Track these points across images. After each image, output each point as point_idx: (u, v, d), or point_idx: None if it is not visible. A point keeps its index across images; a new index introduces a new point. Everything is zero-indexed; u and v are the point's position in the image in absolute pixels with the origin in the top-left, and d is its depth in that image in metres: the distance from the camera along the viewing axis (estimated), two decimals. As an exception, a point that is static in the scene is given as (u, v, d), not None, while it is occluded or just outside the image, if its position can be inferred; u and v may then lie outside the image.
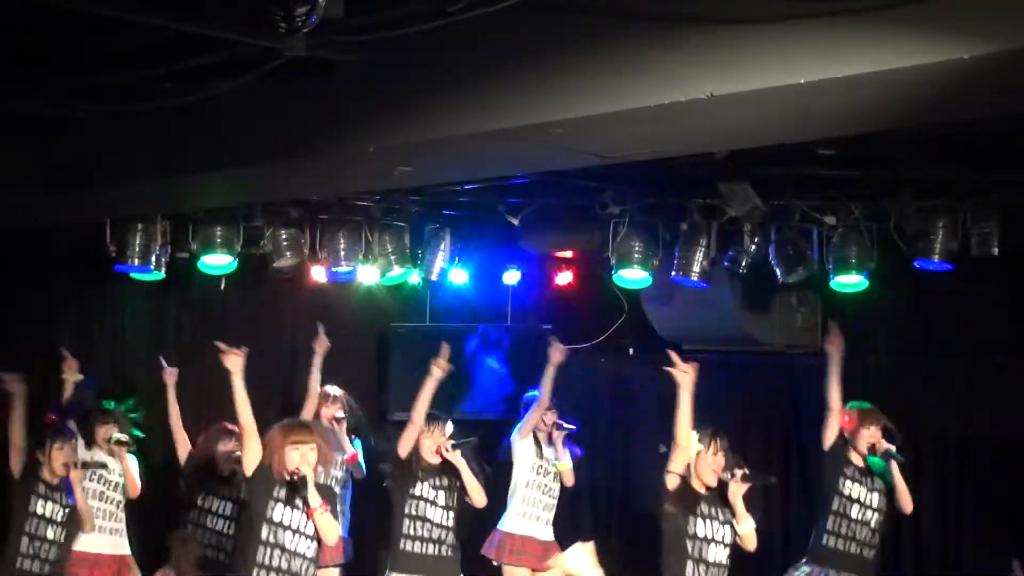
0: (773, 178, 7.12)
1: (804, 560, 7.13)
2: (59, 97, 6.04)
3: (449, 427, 7.15)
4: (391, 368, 10.08)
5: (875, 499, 7.05)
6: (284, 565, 5.85)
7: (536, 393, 8.13)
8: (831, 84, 4.03)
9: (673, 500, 6.11)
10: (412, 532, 7.03)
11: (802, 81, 4.05)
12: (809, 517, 7.39)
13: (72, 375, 7.81)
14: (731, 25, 4.18)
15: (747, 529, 6.17)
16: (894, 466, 6.93)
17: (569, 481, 8.11)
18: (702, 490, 6.15)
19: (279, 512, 5.89)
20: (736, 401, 9.23)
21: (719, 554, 6.12)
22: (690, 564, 6.07)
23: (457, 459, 7.02)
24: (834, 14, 3.94)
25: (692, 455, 6.11)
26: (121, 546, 7.75)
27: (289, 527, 5.89)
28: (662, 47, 4.36)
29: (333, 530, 5.98)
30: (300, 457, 5.85)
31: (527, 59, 4.74)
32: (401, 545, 7.05)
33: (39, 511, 6.74)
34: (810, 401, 8.90)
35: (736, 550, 6.23)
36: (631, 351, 9.91)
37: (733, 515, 6.15)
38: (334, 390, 8.35)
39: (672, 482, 6.13)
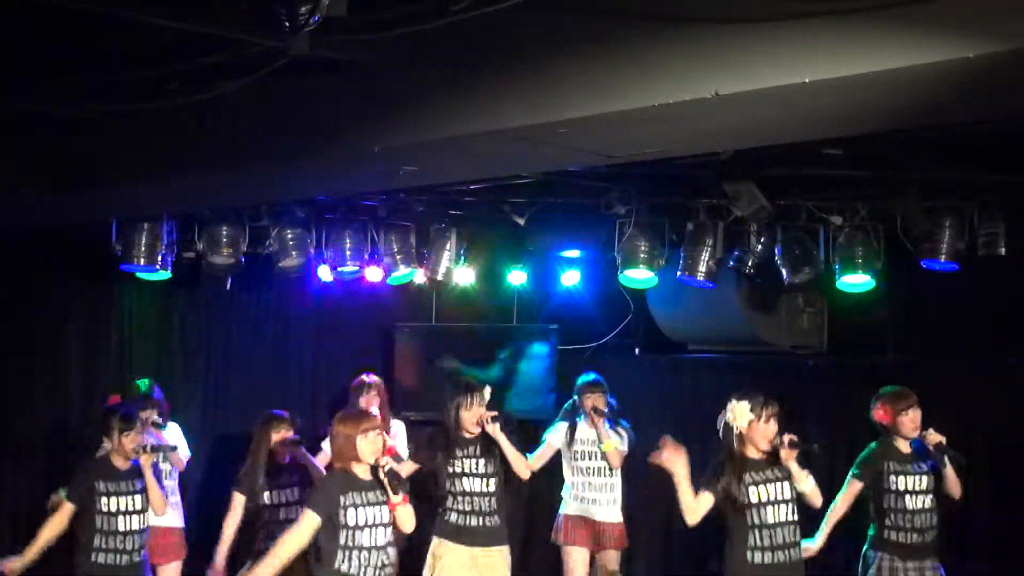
0: (779, 178, 7.11)
1: (868, 547, 7.03)
2: (66, 97, 6.03)
3: (487, 393, 7.12)
4: (397, 367, 10.09)
5: (924, 481, 6.92)
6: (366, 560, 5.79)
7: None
8: (836, 83, 4.02)
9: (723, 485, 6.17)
10: (457, 507, 7.06)
11: (807, 80, 4.04)
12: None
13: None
14: (736, 24, 4.17)
15: (808, 486, 6.22)
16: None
17: (615, 462, 8.00)
18: (756, 456, 6.22)
19: (352, 516, 5.77)
20: (741, 401, 9.22)
21: (779, 513, 6.18)
22: (753, 532, 6.13)
23: (496, 432, 6.99)
24: (839, 13, 3.93)
25: (744, 424, 6.16)
26: (178, 519, 7.92)
27: (363, 525, 5.78)
28: (667, 46, 4.35)
29: (411, 517, 5.92)
30: (370, 443, 5.78)
31: (531, 58, 4.73)
32: (447, 517, 7.10)
33: (105, 508, 6.74)
34: (815, 401, 8.95)
35: (803, 507, 6.28)
36: (636, 351, 9.92)
37: (789, 475, 6.19)
38: (371, 378, 8.41)
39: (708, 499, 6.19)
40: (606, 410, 7.92)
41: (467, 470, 7.07)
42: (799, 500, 6.25)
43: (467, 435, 7.08)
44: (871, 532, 7.03)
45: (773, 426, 6.21)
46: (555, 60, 4.66)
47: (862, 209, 7.54)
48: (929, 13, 3.77)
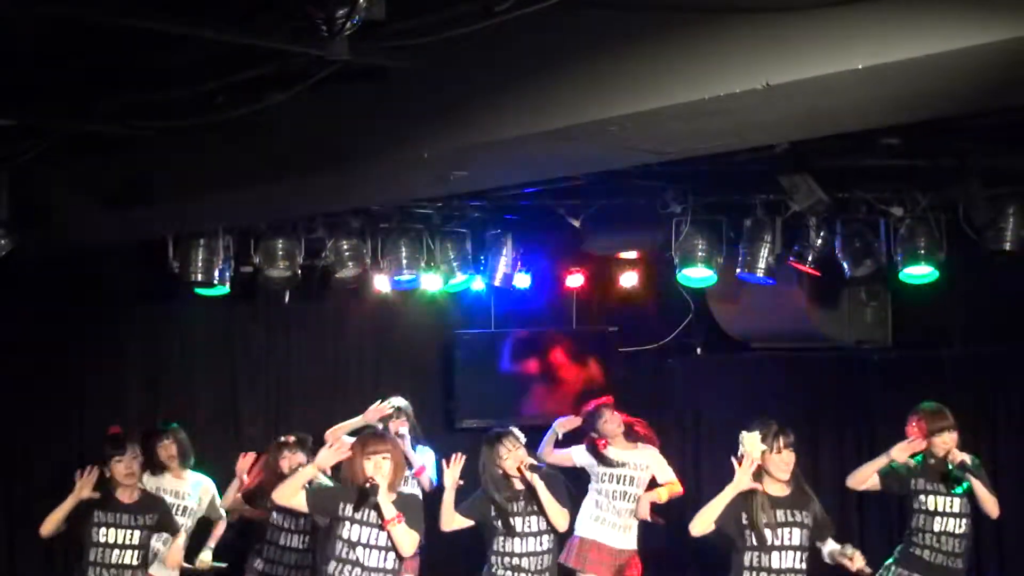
0: (837, 170, 7.01)
1: (893, 561, 6.99)
2: (116, 116, 6.06)
3: (520, 436, 6.78)
4: (457, 375, 10.06)
5: (956, 504, 6.86)
6: None
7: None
8: (890, 69, 3.93)
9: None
10: (505, 567, 6.69)
11: (860, 67, 3.95)
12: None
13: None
14: (784, 12, 4.09)
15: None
16: (971, 477, 6.74)
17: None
18: (776, 492, 6.03)
19: (348, 530, 5.87)
20: (806, 399, 9.13)
21: (785, 559, 5.98)
22: (748, 574, 5.97)
23: (536, 481, 6.60)
24: (890, -4, 3.85)
25: (757, 456, 5.99)
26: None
27: (363, 543, 5.85)
28: (715, 38, 4.28)
29: (409, 541, 5.88)
30: (374, 466, 5.83)
31: (577, 56, 4.68)
32: (495, 572, 6.72)
33: (102, 540, 6.75)
34: (882, 397, 8.82)
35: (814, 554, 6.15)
36: (698, 351, 9.83)
37: (805, 521, 6.03)
38: (399, 402, 8.26)
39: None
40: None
41: (519, 530, 6.67)
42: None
43: (512, 489, 6.70)
44: (900, 545, 6.98)
45: (788, 456, 6.04)
46: (601, 57, 4.60)
47: (923, 199, 7.41)
48: (985, -8, 3.68)
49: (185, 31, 4.86)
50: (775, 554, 5.94)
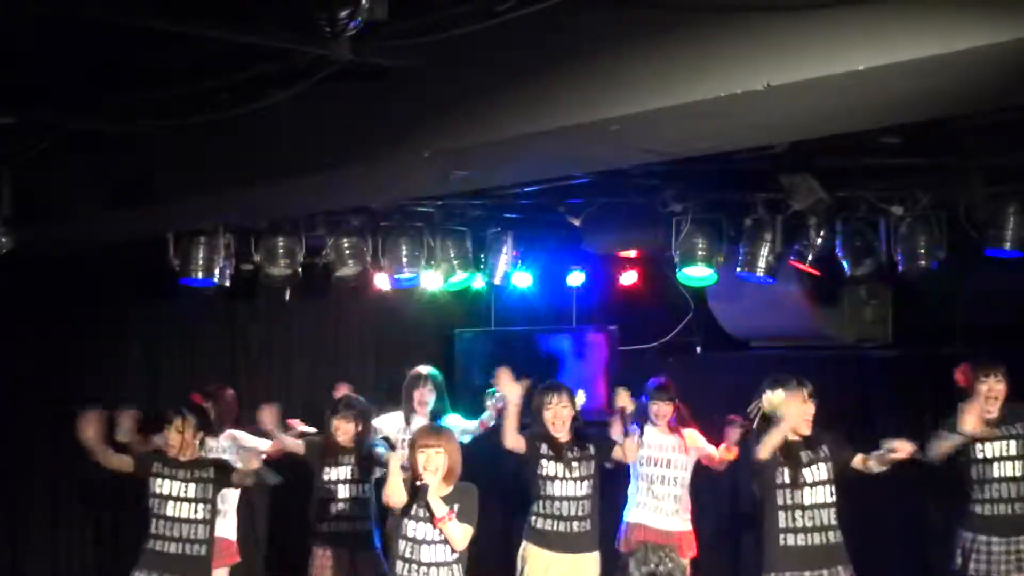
0: (837, 169, 7.01)
1: (959, 530, 6.99)
2: (118, 113, 6.07)
3: (580, 397, 7.24)
4: (457, 373, 10.06)
5: (1013, 446, 6.87)
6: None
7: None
8: (890, 70, 3.93)
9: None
10: (545, 511, 7.06)
11: (861, 68, 3.95)
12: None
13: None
14: (786, 12, 4.09)
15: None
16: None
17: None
18: (796, 438, 6.24)
19: (411, 527, 5.89)
20: (807, 397, 9.11)
21: (816, 495, 6.19)
22: (786, 513, 6.19)
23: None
24: (892, -3, 3.85)
25: (788, 411, 6.20)
26: (229, 530, 7.95)
27: (424, 540, 5.88)
28: (716, 38, 4.28)
29: (461, 536, 5.87)
30: (426, 459, 5.82)
31: (578, 56, 4.68)
32: (534, 522, 7.10)
33: (158, 490, 6.97)
34: (882, 395, 8.82)
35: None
36: (698, 350, 9.83)
37: (826, 456, 6.23)
38: (426, 370, 8.46)
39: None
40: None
41: (557, 474, 7.04)
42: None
43: (557, 436, 7.06)
44: (960, 512, 6.97)
45: (811, 407, 6.18)
46: (602, 57, 4.61)
47: (923, 198, 7.40)
48: (985, -7, 3.68)
49: (188, 29, 4.86)
50: (806, 490, 6.20)
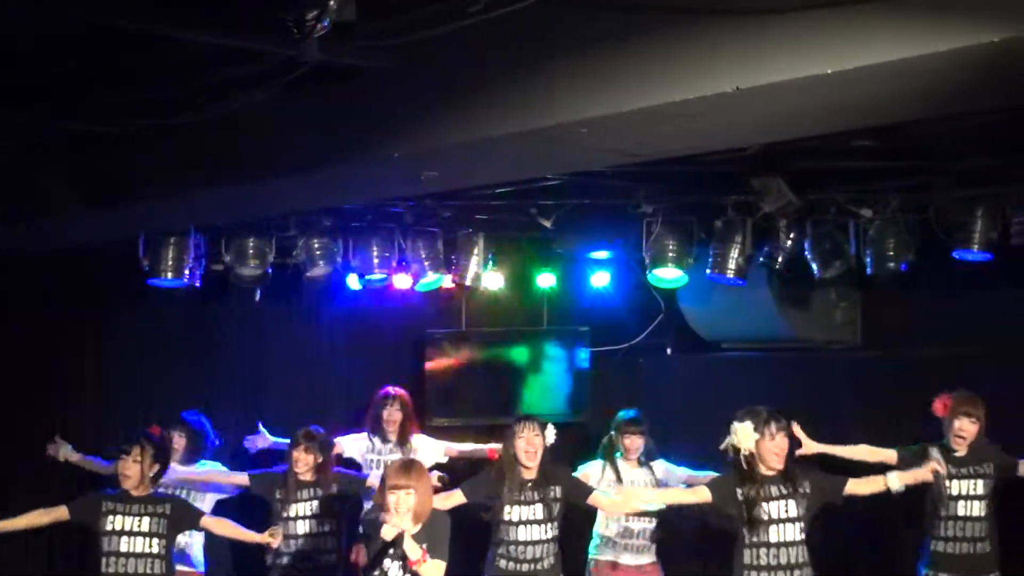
0: (808, 171, 7.04)
1: (920, 566, 6.95)
2: (93, 115, 6.05)
3: (550, 432, 6.89)
4: (429, 374, 10.05)
5: (980, 486, 6.83)
6: None
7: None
8: (859, 73, 3.96)
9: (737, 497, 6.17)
10: (509, 554, 6.83)
11: (829, 71, 3.98)
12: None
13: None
14: (755, 16, 4.12)
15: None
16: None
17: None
18: (769, 473, 6.17)
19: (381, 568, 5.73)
20: (776, 399, 9.10)
21: (783, 533, 6.12)
22: (752, 551, 6.12)
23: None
24: (859, 2, 3.87)
25: (751, 445, 6.13)
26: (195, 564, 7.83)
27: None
28: (686, 41, 4.30)
29: (437, 574, 5.69)
30: (396, 501, 5.61)
31: (549, 58, 4.69)
32: (497, 563, 6.86)
33: (109, 527, 6.68)
34: (851, 397, 8.85)
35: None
36: (669, 351, 9.85)
37: (796, 492, 6.15)
38: (395, 391, 8.26)
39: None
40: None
41: (523, 518, 6.82)
42: None
43: (524, 471, 6.83)
44: (922, 550, 6.95)
45: (782, 440, 6.12)
46: (573, 59, 4.62)
47: (893, 200, 7.44)
48: (953, -2, 3.71)
49: (160, 31, 4.85)
50: (772, 528, 6.09)
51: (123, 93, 5.76)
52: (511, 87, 4.87)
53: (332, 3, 3.98)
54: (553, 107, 4.75)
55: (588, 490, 7.06)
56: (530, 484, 6.87)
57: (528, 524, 6.84)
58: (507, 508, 6.83)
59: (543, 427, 6.91)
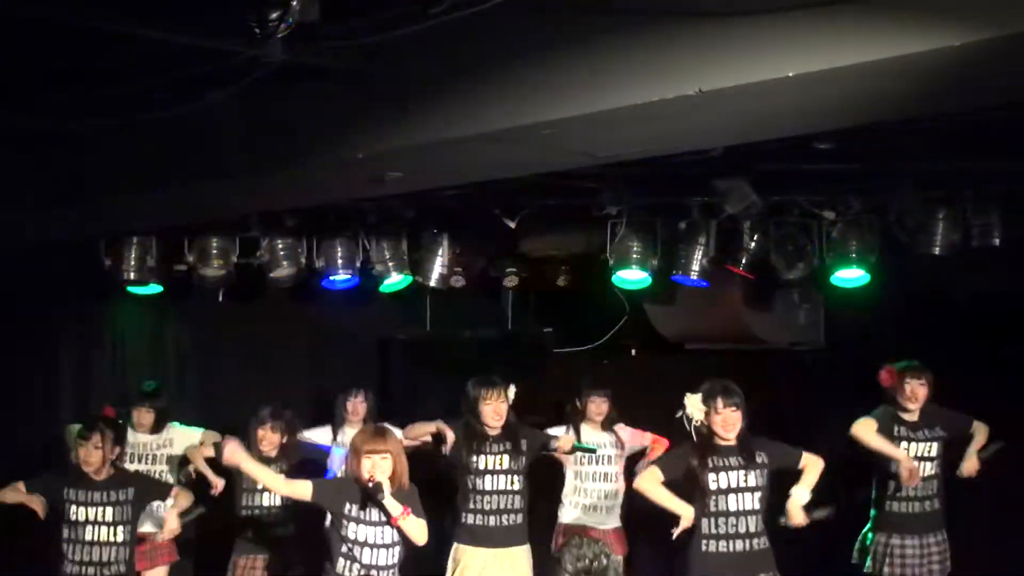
0: (772, 174, 7.06)
1: (869, 527, 7.13)
2: (51, 112, 6.00)
3: (511, 391, 7.09)
4: (392, 376, 10.04)
5: (935, 448, 7.06)
6: None
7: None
8: (820, 76, 3.98)
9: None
10: (478, 507, 6.99)
11: (791, 74, 4.00)
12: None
13: None
14: (717, 19, 4.12)
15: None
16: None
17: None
18: (724, 443, 6.23)
19: (353, 530, 5.80)
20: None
21: (742, 502, 6.17)
22: (710, 520, 6.16)
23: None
24: (822, 5, 3.89)
25: (701, 417, 6.22)
26: None
27: (366, 543, 5.80)
28: (648, 44, 4.30)
29: (420, 530, 5.82)
30: (372, 466, 5.72)
31: (512, 60, 4.69)
32: (466, 519, 7.02)
33: (74, 517, 6.69)
34: (815, 398, 8.89)
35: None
36: (633, 352, 9.87)
37: (754, 463, 6.19)
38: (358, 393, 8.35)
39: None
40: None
41: (490, 467, 7.00)
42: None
43: (489, 430, 7.03)
44: (872, 512, 7.10)
45: (731, 415, 6.17)
46: (536, 61, 4.62)
47: (855, 202, 7.48)
48: (914, 2, 3.72)
49: (122, 29, 4.81)
50: (731, 496, 6.14)
51: (82, 91, 5.71)
52: (474, 88, 4.86)
53: (295, 3, 3.97)
54: (516, 109, 4.74)
55: (548, 436, 7.35)
56: (495, 438, 7.05)
57: (495, 473, 6.98)
58: (473, 457, 6.99)
59: (507, 389, 7.09)
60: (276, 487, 6.20)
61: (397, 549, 5.87)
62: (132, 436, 7.78)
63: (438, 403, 9.05)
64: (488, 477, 7.01)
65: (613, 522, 8.07)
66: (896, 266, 7.69)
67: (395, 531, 5.81)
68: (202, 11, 4.78)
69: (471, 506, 7.03)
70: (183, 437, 8.03)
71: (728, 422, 6.18)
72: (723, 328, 8.95)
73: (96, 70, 5.57)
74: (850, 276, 7.65)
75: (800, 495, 6.24)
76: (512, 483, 7.03)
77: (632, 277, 8.05)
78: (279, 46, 4.40)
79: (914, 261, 7.47)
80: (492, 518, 7.01)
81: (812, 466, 6.33)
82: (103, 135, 6.25)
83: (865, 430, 6.97)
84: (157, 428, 7.99)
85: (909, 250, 7.41)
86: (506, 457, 7.02)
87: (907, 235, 7.38)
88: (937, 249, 7.29)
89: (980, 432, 7.23)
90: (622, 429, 8.18)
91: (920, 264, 7.49)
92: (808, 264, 7.74)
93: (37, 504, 6.72)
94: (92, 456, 6.67)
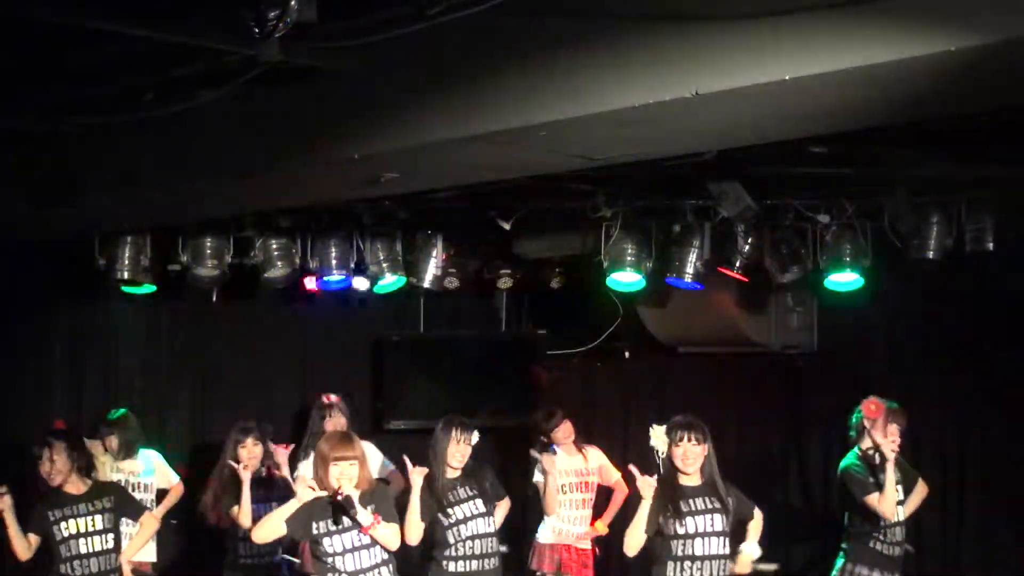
0: (766, 177, 7.07)
1: (842, 556, 7.04)
2: (45, 111, 5.99)
3: (475, 436, 6.78)
4: (386, 377, 10.03)
5: (902, 492, 6.98)
6: None
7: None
8: (817, 80, 3.99)
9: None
10: (460, 553, 6.71)
11: (787, 78, 4.00)
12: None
13: None
14: (715, 22, 4.13)
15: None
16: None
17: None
18: (689, 483, 6.14)
19: (331, 543, 5.79)
20: (733, 403, 9.19)
21: (709, 546, 6.09)
22: (676, 564, 6.06)
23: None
24: (818, 9, 3.90)
25: (664, 449, 6.18)
26: (147, 553, 7.78)
27: (346, 550, 5.79)
28: (645, 46, 4.31)
29: (393, 536, 5.83)
30: (340, 472, 5.71)
31: (509, 61, 4.69)
32: (446, 566, 6.72)
33: (65, 533, 6.68)
34: (807, 401, 8.92)
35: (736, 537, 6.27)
36: (626, 354, 9.87)
37: (723, 507, 6.13)
38: (332, 399, 8.07)
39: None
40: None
41: (467, 514, 6.71)
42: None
43: (451, 472, 6.73)
44: (845, 545, 7.02)
45: (690, 448, 6.11)
46: (533, 62, 4.62)
47: (849, 207, 7.50)
48: (910, 7, 3.73)
49: (117, 28, 4.81)
50: (698, 541, 6.05)
51: (77, 90, 5.71)
52: (470, 90, 4.87)
53: (293, 3, 3.97)
54: (512, 110, 4.75)
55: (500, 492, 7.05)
56: (460, 481, 6.75)
57: (475, 519, 6.74)
58: (450, 511, 6.66)
59: (472, 432, 6.80)
60: (256, 536, 6.02)
61: (379, 546, 5.85)
62: (111, 463, 7.77)
63: (431, 404, 9.05)
64: (470, 523, 6.71)
65: (585, 543, 8.05)
66: (890, 270, 7.70)
67: None
68: (197, 10, 4.78)
69: (447, 553, 6.70)
70: (162, 471, 8.01)
71: (688, 456, 6.11)
72: (716, 331, 8.96)
73: (91, 69, 5.56)
74: (844, 280, 7.65)
75: (753, 551, 6.31)
76: (488, 525, 6.79)
77: (626, 279, 8.05)
78: (275, 46, 4.40)
79: (908, 265, 7.47)
80: (474, 563, 6.77)
81: (758, 520, 6.38)
82: (98, 134, 6.24)
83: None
84: (128, 453, 7.88)
85: (903, 254, 7.42)
86: (480, 501, 6.74)
87: (901, 239, 7.39)
88: (931, 253, 7.30)
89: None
90: (592, 454, 8.10)
91: (914, 268, 7.49)
92: (802, 268, 7.75)
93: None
94: (51, 468, 6.69)
